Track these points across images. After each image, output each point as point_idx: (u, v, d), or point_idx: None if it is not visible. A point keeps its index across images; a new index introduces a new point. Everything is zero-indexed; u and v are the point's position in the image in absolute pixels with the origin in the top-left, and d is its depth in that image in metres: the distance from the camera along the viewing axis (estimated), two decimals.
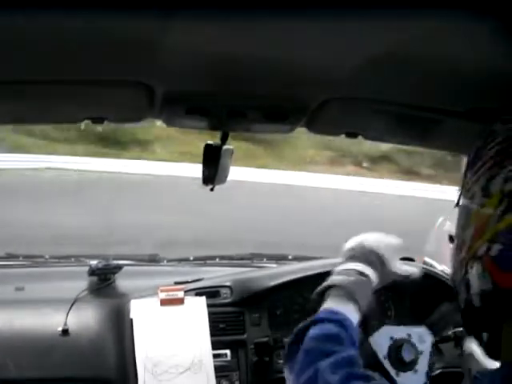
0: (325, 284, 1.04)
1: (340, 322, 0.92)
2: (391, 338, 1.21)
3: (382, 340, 1.21)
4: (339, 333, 0.89)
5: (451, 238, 0.78)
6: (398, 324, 1.26)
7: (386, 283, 1.11)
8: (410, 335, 1.21)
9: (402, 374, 1.18)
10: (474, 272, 0.68)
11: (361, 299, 0.98)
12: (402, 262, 1.35)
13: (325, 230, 6.56)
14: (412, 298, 1.69)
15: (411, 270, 1.19)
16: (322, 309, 0.97)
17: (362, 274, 1.03)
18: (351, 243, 1.12)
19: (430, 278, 1.54)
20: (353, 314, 0.96)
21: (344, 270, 1.05)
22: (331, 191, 10.90)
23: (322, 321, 0.92)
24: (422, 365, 1.19)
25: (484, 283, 0.67)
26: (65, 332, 1.53)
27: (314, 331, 0.90)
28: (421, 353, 1.20)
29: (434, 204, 6.89)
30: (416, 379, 1.18)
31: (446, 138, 1.16)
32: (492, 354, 0.73)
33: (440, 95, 0.95)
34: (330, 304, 0.98)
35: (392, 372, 1.18)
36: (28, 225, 6.11)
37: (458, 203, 0.75)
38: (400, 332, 1.22)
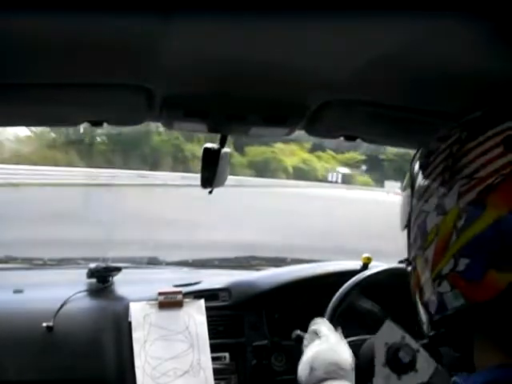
0: None
1: None
2: (386, 344, 1.22)
3: (377, 348, 1.22)
4: None
5: (407, 262, 0.76)
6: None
7: None
8: (404, 337, 1.22)
9: (404, 376, 1.18)
10: (442, 290, 0.67)
11: None
12: None
13: None
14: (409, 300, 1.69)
15: None
16: None
17: None
18: (318, 366, 1.10)
19: None
20: None
21: None
22: None
23: None
24: (422, 363, 1.19)
25: (455, 301, 0.66)
26: (49, 328, 1.53)
27: None
28: (417, 351, 1.20)
29: None
30: (419, 377, 1.19)
31: None
32: (467, 367, 0.73)
33: (439, 98, 0.95)
34: None
35: (393, 377, 1.18)
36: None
37: (407, 226, 0.75)
38: (394, 336, 1.22)
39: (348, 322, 1.32)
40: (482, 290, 0.63)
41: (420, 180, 0.72)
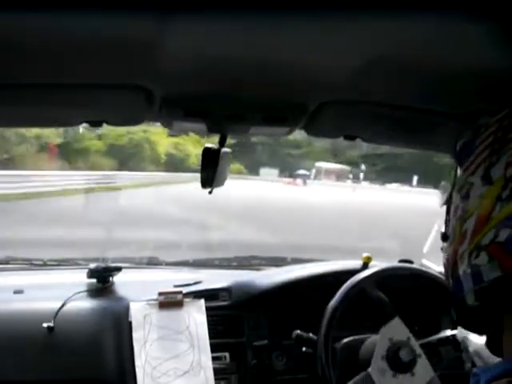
0: None
1: None
2: (390, 340, 1.22)
3: (380, 341, 1.21)
4: None
5: (444, 236, 0.76)
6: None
7: None
8: (409, 338, 1.22)
9: (399, 375, 1.19)
10: (480, 263, 0.66)
11: None
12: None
13: None
14: (410, 300, 1.70)
15: None
16: None
17: None
18: None
19: (427, 280, 1.54)
20: None
21: None
22: None
23: None
24: (420, 368, 1.19)
25: (492, 272, 0.65)
26: (50, 329, 1.53)
27: None
28: (419, 356, 1.20)
29: None
30: (414, 381, 1.19)
31: (446, 140, 1.16)
32: (494, 350, 0.72)
33: (440, 98, 0.95)
34: None
35: (388, 373, 1.18)
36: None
37: (447, 201, 0.75)
38: (400, 334, 1.22)
39: (356, 312, 1.30)
40: None
41: (467, 154, 0.71)
